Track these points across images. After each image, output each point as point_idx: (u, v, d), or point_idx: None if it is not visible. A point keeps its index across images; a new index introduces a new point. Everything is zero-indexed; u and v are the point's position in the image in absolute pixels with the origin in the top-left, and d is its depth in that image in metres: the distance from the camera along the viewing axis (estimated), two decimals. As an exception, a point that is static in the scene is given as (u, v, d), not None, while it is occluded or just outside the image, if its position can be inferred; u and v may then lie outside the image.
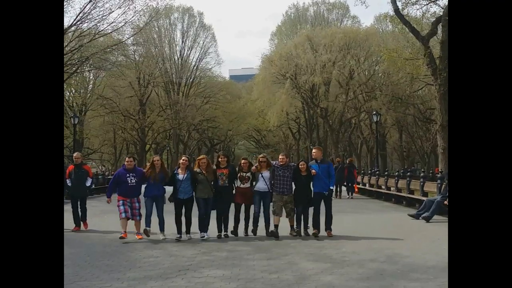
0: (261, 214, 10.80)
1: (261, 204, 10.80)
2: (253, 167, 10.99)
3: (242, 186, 10.91)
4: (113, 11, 28.48)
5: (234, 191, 10.96)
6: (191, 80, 54.30)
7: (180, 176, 10.58)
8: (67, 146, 40.05)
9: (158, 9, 39.09)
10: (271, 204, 10.86)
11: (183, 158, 11.07)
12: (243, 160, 11.21)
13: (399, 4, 23.16)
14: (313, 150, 11.54)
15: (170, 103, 50.82)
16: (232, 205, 10.90)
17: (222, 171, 10.74)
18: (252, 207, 10.95)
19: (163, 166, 11.13)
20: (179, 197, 10.49)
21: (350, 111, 45.93)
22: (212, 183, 10.70)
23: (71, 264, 7.95)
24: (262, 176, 10.81)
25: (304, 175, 10.81)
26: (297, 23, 58.19)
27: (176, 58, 53.75)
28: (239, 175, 10.90)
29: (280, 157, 11.08)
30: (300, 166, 10.92)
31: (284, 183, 10.70)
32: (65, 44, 28.11)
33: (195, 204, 10.68)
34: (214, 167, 10.95)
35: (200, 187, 10.58)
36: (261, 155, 11.48)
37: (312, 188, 11.02)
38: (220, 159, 10.98)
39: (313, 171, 10.77)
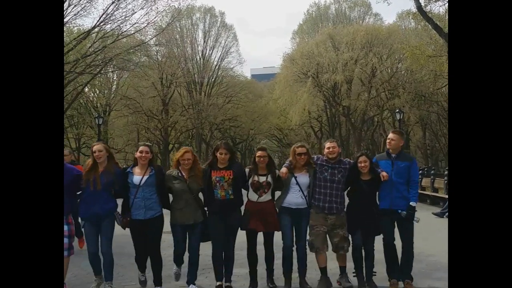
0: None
1: (294, 230, 6.59)
2: (283, 170, 6.47)
3: (258, 200, 6.46)
4: (135, 12, 28.95)
5: (244, 209, 6.62)
6: (213, 79, 54.46)
7: (136, 179, 6.25)
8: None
9: (180, 9, 39.32)
10: (308, 230, 6.59)
11: (140, 148, 6.49)
12: (259, 152, 6.52)
13: (421, 1, 22.97)
14: (390, 136, 6.73)
15: (193, 103, 51.01)
16: (239, 236, 6.78)
17: (222, 174, 6.32)
18: (275, 236, 6.72)
19: (113, 160, 6.58)
20: (134, 216, 6.25)
21: (372, 109, 45.63)
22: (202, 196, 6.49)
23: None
24: (296, 181, 6.49)
25: (366, 180, 6.49)
26: (318, 21, 57.91)
27: (198, 58, 53.97)
28: (252, 180, 6.46)
29: (328, 145, 6.61)
30: (360, 164, 6.44)
31: (332, 193, 6.46)
32: (88, 45, 28.80)
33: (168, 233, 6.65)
34: (207, 167, 6.48)
35: (178, 204, 6.37)
36: (298, 144, 6.75)
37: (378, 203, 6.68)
38: (218, 154, 6.35)
39: (384, 173, 6.42)
